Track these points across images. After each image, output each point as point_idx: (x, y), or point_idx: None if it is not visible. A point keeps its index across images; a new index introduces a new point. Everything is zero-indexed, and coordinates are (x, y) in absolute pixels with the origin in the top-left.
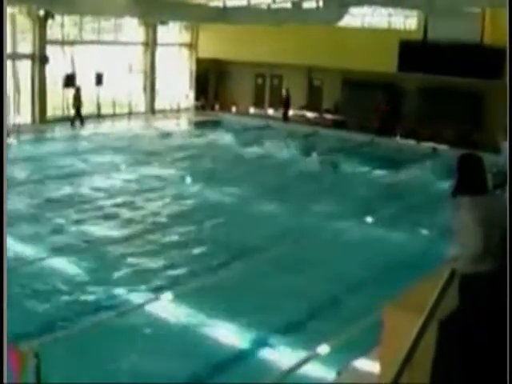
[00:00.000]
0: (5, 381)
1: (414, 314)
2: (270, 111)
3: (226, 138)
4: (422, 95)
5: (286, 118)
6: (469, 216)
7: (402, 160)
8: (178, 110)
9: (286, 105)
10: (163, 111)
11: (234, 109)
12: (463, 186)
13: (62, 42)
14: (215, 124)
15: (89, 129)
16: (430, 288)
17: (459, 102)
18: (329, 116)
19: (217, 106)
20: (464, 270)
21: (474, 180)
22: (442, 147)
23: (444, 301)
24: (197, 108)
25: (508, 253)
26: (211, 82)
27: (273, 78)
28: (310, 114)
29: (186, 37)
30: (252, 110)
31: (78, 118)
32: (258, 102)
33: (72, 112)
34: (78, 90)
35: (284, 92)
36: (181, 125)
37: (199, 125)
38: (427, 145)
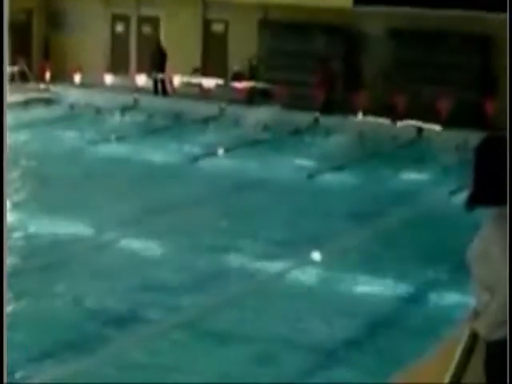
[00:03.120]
0: (5, 381)
1: None
2: (141, 80)
3: (61, 131)
4: (395, 43)
5: (163, 90)
6: (496, 242)
7: (365, 157)
8: None
9: (162, 67)
10: None
11: (77, 77)
12: (485, 192)
13: None
14: (46, 104)
15: None
16: (443, 362)
17: (454, 52)
18: (241, 84)
19: (48, 74)
20: (490, 333)
21: (503, 181)
22: (431, 128)
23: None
24: (13, 79)
25: (508, 258)
26: (37, 33)
27: (142, 22)
28: (208, 82)
29: None
30: (109, 79)
31: None
32: (120, 65)
33: None
34: None
35: (156, 47)
36: None
37: (16, 108)
38: (407, 124)
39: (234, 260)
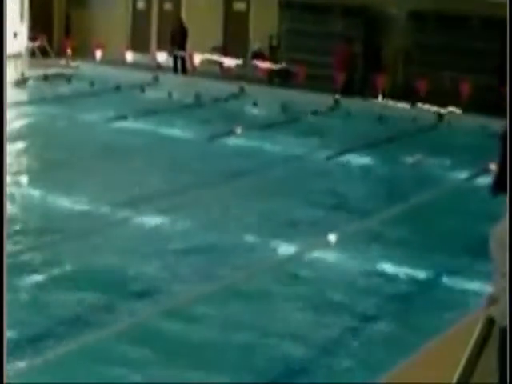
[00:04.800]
0: (5, 381)
1: None
2: (161, 57)
3: (80, 107)
4: (416, 26)
5: (183, 68)
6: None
7: (384, 140)
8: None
9: (182, 45)
10: None
11: (98, 54)
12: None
13: None
14: (66, 80)
15: None
16: (459, 345)
17: (476, 37)
18: (261, 63)
19: (69, 50)
20: (505, 319)
21: None
22: (452, 111)
23: (480, 366)
24: (33, 54)
25: (508, 252)
26: (58, 8)
27: None
28: (229, 61)
29: None
30: (130, 56)
31: None
32: (140, 42)
33: None
34: None
35: (177, 24)
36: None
37: (37, 83)
38: (427, 108)
39: (249, 238)
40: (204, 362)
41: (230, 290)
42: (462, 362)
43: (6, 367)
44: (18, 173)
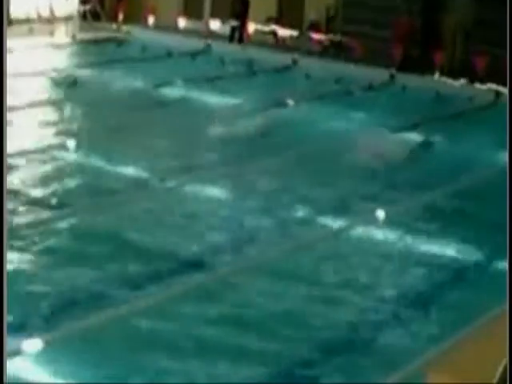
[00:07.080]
0: (5, 381)
1: None
2: (215, 25)
3: (130, 72)
4: (479, 2)
5: (240, 37)
6: None
7: (440, 117)
8: (52, 20)
9: (242, 15)
10: (25, 21)
11: (151, 19)
12: None
13: None
14: (117, 44)
15: None
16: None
17: None
18: (316, 35)
19: (120, 15)
20: None
21: None
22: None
23: None
24: (84, 17)
25: (508, 252)
26: None
27: None
28: (283, 32)
29: None
30: (183, 23)
31: None
32: (194, 9)
33: None
34: None
35: None
36: (50, 47)
37: (87, 47)
38: (485, 87)
39: (297, 212)
40: None
41: None
42: (503, 364)
43: (7, 367)
44: (65, 137)
